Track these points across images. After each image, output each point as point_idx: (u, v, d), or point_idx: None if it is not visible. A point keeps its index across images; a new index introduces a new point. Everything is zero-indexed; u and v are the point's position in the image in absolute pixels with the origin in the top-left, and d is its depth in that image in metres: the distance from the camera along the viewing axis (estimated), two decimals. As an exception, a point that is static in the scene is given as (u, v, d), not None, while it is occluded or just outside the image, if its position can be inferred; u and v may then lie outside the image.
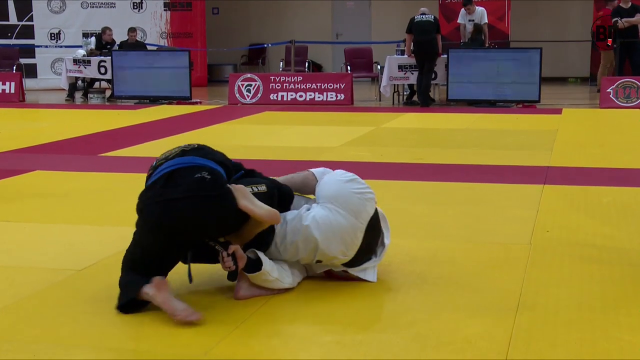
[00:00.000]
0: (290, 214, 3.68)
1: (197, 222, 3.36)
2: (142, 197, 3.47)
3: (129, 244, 3.58)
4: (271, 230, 3.62)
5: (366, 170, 6.95)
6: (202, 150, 3.57)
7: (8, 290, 3.77)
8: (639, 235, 4.68)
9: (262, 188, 3.58)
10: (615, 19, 14.10)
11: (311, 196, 3.86)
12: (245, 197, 3.40)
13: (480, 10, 13.93)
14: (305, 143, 8.70)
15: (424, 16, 12.89)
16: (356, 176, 3.81)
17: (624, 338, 3.11)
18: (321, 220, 3.60)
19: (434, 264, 4.13)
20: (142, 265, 3.46)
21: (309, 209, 3.68)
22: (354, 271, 3.76)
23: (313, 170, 3.98)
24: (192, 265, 3.51)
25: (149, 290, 3.37)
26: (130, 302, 3.41)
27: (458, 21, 14.32)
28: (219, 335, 3.17)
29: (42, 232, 4.91)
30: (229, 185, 3.44)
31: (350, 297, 3.62)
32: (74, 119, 11.73)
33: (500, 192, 5.98)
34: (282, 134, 9.64)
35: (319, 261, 3.69)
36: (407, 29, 13.06)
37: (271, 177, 3.79)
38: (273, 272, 3.58)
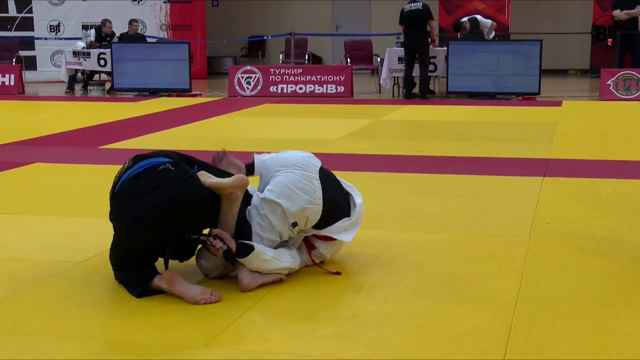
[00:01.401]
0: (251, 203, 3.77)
1: (174, 209, 3.42)
2: (113, 207, 3.54)
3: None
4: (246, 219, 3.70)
5: (366, 162, 6.96)
6: (153, 154, 3.61)
7: (8, 282, 3.77)
8: (638, 227, 4.68)
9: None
10: (616, 10, 14.09)
11: None
12: (209, 177, 3.51)
13: (485, 22, 13.82)
14: (305, 135, 8.69)
15: (412, 5, 12.80)
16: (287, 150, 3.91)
17: (623, 330, 3.12)
18: (272, 185, 3.68)
19: (434, 256, 4.14)
20: (135, 263, 3.53)
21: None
22: (328, 232, 3.76)
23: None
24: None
25: (161, 284, 3.46)
26: (145, 289, 3.49)
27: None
28: (219, 327, 3.18)
29: (41, 225, 4.91)
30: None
31: (349, 291, 3.63)
32: (73, 112, 11.72)
33: (500, 184, 5.97)
34: (282, 126, 9.63)
35: (294, 224, 3.69)
36: (399, 20, 13.03)
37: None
38: (267, 250, 3.62)
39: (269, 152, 4.00)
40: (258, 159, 3.94)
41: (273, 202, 3.64)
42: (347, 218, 3.81)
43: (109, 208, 3.59)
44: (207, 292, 3.43)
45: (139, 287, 3.50)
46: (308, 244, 3.84)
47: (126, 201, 3.46)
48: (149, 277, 3.49)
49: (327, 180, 3.78)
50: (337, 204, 3.77)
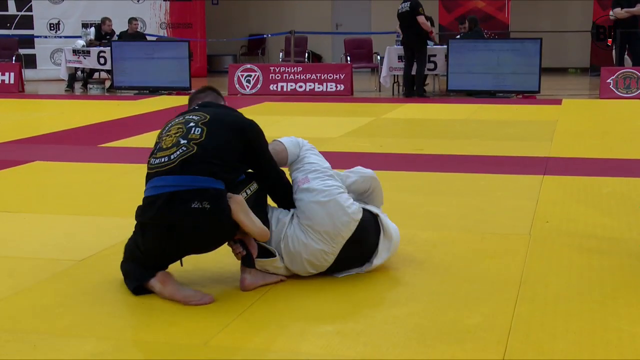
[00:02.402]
0: (274, 217, 3.69)
1: (196, 244, 3.46)
2: (145, 211, 3.44)
3: (131, 234, 3.62)
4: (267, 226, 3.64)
5: (366, 160, 6.95)
6: (203, 162, 3.42)
7: (8, 280, 3.77)
8: (638, 225, 4.68)
9: (253, 187, 3.60)
10: (616, 9, 14.08)
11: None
12: (242, 210, 3.40)
13: None
14: (305, 134, 8.65)
15: (403, 6, 12.78)
16: (341, 189, 3.70)
17: (623, 328, 3.12)
18: (291, 239, 3.61)
19: (434, 254, 4.14)
20: (143, 260, 3.53)
21: (289, 216, 3.68)
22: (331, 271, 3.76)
23: (284, 141, 4.01)
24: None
25: (155, 285, 3.46)
26: (140, 287, 3.50)
27: None
28: (219, 325, 3.18)
29: (41, 223, 4.91)
30: (227, 196, 3.41)
31: (350, 288, 3.62)
32: (73, 110, 11.71)
33: (500, 182, 5.97)
34: (282, 124, 9.63)
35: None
36: (397, 16, 13.06)
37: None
38: (280, 260, 3.65)
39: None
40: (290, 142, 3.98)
41: (282, 251, 3.64)
42: (358, 269, 3.76)
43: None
44: (199, 294, 3.44)
45: (134, 283, 3.51)
46: None
47: (155, 220, 3.40)
48: (144, 278, 3.49)
49: (352, 245, 3.64)
50: (348, 265, 3.73)
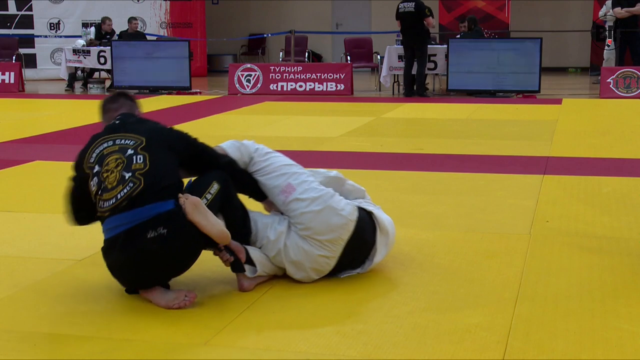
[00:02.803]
0: (271, 226, 3.64)
1: (173, 266, 3.41)
2: (108, 255, 3.39)
3: None
4: (245, 222, 3.64)
5: (366, 160, 6.96)
6: (149, 190, 3.32)
7: (8, 280, 3.77)
8: (638, 225, 4.68)
9: (214, 189, 3.49)
10: (616, 8, 14.08)
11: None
12: (197, 211, 3.32)
13: None
14: (305, 133, 8.69)
15: (406, 5, 12.78)
16: (332, 193, 3.64)
17: (623, 327, 3.12)
18: (292, 249, 3.59)
19: (434, 253, 4.14)
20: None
21: (285, 225, 3.63)
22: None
23: (224, 146, 3.85)
24: None
25: (140, 291, 3.45)
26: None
27: None
28: (219, 325, 3.18)
29: (42, 222, 4.91)
30: (183, 199, 3.34)
31: (349, 288, 3.62)
32: (73, 109, 11.71)
33: (500, 182, 5.97)
34: (282, 124, 9.63)
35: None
36: (395, 16, 13.05)
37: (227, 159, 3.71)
38: (266, 269, 3.62)
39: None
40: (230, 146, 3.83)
41: (282, 261, 3.62)
42: (359, 269, 3.76)
43: None
44: (181, 295, 3.36)
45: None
46: None
47: (114, 265, 3.40)
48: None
49: (351, 246, 3.63)
50: (349, 266, 3.72)
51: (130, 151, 3.40)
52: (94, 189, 3.39)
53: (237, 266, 3.54)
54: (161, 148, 3.48)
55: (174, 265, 3.40)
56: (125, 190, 3.31)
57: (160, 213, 3.28)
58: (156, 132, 3.56)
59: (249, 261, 3.57)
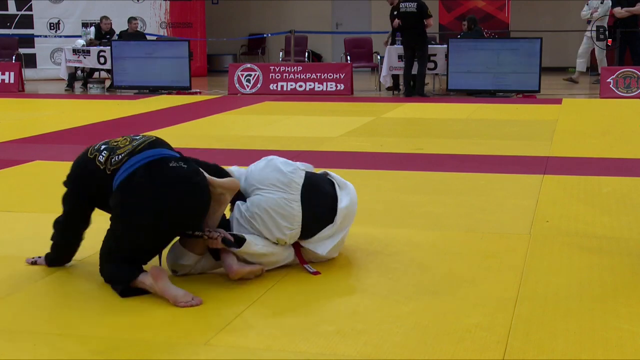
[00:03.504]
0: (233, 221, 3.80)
1: (186, 210, 3.46)
2: (122, 193, 3.48)
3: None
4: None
5: (366, 160, 6.96)
6: (164, 145, 3.65)
7: (8, 280, 3.77)
8: (638, 225, 4.68)
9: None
10: (616, 8, 14.09)
11: None
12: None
13: None
14: (305, 133, 8.69)
15: (407, 5, 12.76)
16: (274, 157, 3.90)
17: (623, 327, 3.12)
18: (253, 206, 3.70)
19: (434, 253, 4.14)
20: (127, 255, 3.52)
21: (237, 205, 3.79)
22: (308, 245, 3.80)
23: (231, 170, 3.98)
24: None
25: (146, 280, 3.44)
26: (129, 288, 3.48)
27: None
28: (219, 324, 3.18)
29: (42, 223, 4.90)
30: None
31: (349, 288, 3.63)
32: (73, 109, 11.71)
33: (500, 182, 5.97)
34: (282, 124, 9.63)
35: (275, 242, 3.76)
36: (390, 15, 13.02)
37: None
38: (257, 240, 3.67)
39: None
40: (237, 171, 3.95)
41: (252, 223, 3.72)
42: (330, 225, 3.82)
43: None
44: (189, 296, 3.40)
45: (122, 284, 3.49)
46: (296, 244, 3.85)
47: (138, 193, 3.44)
48: (133, 274, 3.47)
49: (310, 193, 3.75)
50: (319, 218, 3.79)
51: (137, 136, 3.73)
52: (102, 159, 3.58)
53: (228, 241, 3.60)
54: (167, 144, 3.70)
55: (189, 200, 3.44)
56: (140, 141, 3.61)
57: (180, 155, 3.58)
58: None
59: (237, 240, 3.63)
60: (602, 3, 14.18)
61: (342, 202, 3.87)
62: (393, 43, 13.41)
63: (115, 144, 3.65)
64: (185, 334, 3.11)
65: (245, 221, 3.73)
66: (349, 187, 3.98)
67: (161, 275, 3.43)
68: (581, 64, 14.57)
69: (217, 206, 3.62)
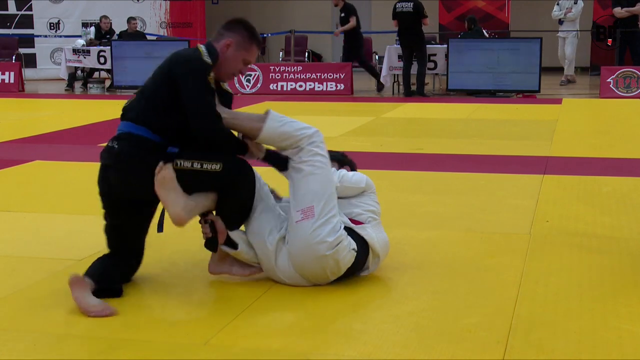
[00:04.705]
0: (256, 234, 3.57)
1: (118, 186, 3.47)
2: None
3: None
4: (244, 208, 3.53)
5: (366, 160, 6.95)
6: (129, 111, 3.51)
7: (8, 279, 3.77)
8: (638, 224, 4.68)
9: (215, 167, 3.39)
10: (616, 8, 14.09)
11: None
12: (163, 187, 3.34)
13: None
14: (305, 133, 8.68)
15: (404, 5, 12.77)
16: (334, 242, 3.47)
17: (623, 327, 3.12)
18: (279, 269, 3.56)
19: (434, 253, 4.14)
20: (109, 243, 3.61)
21: (281, 238, 3.56)
22: None
23: (266, 127, 3.55)
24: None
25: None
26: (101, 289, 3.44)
27: None
28: (219, 325, 3.18)
29: (42, 222, 4.91)
30: (159, 167, 3.36)
31: (349, 288, 3.62)
32: (73, 109, 11.72)
33: (500, 182, 5.97)
34: (282, 124, 9.61)
35: None
36: (392, 15, 13.04)
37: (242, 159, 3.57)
38: (249, 252, 3.61)
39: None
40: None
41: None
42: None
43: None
44: (101, 306, 3.28)
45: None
46: None
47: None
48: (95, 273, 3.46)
49: (346, 275, 3.62)
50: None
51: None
52: None
53: (211, 244, 3.57)
54: (159, 69, 3.53)
55: (119, 183, 3.45)
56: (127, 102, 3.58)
57: (124, 132, 3.48)
58: (173, 53, 3.60)
59: (229, 242, 3.55)
60: (575, 3, 14.16)
61: (366, 271, 3.69)
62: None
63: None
64: (185, 334, 3.10)
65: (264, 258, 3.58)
66: (381, 256, 3.70)
67: (75, 284, 3.33)
68: (568, 66, 14.55)
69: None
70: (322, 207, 3.47)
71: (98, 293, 3.37)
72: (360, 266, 3.65)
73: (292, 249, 3.50)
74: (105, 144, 3.60)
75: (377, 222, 3.75)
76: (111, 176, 3.46)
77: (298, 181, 3.53)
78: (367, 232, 3.64)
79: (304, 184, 3.51)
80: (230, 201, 3.49)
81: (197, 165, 3.37)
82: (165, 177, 3.34)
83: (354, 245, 3.54)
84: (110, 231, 3.59)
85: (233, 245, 3.57)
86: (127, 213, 3.54)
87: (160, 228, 3.60)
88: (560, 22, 14.36)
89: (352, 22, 13.37)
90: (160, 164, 3.35)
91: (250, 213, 3.56)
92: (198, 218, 3.56)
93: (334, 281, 3.63)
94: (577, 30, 14.38)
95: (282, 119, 3.58)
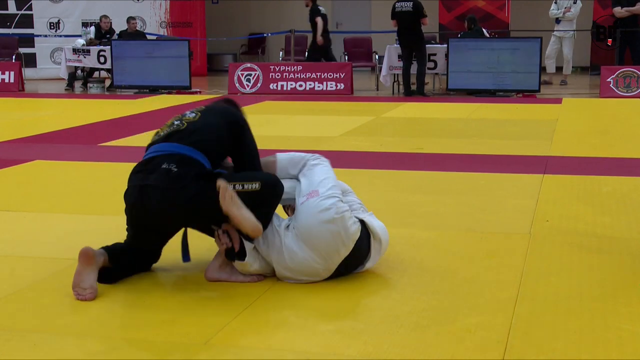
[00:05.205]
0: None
1: (160, 212, 3.48)
2: (130, 179, 3.62)
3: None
4: (267, 218, 3.62)
5: (366, 159, 6.96)
6: (188, 136, 3.58)
7: (8, 279, 3.77)
8: (638, 224, 4.68)
9: (255, 186, 3.54)
10: (616, 7, 14.09)
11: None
12: (234, 204, 3.40)
13: None
14: (305, 133, 8.69)
15: (403, 5, 12.78)
16: (340, 208, 3.58)
17: (623, 327, 3.12)
18: (288, 253, 3.57)
19: (434, 253, 4.14)
20: (129, 242, 3.68)
21: (283, 225, 3.64)
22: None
23: (279, 155, 3.97)
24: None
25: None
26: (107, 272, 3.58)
27: None
28: (219, 324, 3.18)
29: (42, 222, 4.91)
30: (217, 177, 3.47)
31: (349, 287, 3.62)
32: (73, 109, 11.71)
33: (500, 181, 5.97)
34: (282, 123, 9.63)
35: None
36: (391, 15, 13.04)
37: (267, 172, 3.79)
38: (254, 264, 3.62)
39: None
40: (283, 169, 3.89)
41: (277, 265, 3.64)
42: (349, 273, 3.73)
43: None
44: (88, 291, 3.44)
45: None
46: None
47: (133, 182, 3.56)
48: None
49: (347, 263, 3.63)
50: (346, 267, 3.68)
51: (187, 111, 3.80)
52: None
53: (230, 254, 3.59)
54: (215, 114, 3.74)
55: (165, 209, 3.45)
56: (170, 129, 3.64)
57: (184, 154, 3.48)
58: (218, 105, 3.88)
59: (241, 253, 3.58)
60: (575, 3, 14.14)
61: (371, 261, 3.73)
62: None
63: (161, 127, 3.75)
64: (185, 333, 3.10)
65: (277, 257, 3.61)
66: (382, 242, 3.75)
67: (83, 257, 3.51)
68: (550, 65, 14.52)
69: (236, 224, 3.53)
70: (326, 189, 3.63)
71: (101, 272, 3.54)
72: (365, 249, 3.68)
73: (299, 224, 3.57)
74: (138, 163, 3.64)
75: (370, 213, 3.87)
76: (154, 197, 3.45)
77: (303, 180, 3.75)
78: (363, 215, 3.76)
79: (306, 178, 3.74)
80: (257, 213, 3.52)
81: (239, 187, 3.49)
82: (232, 195, 3.41)
83: (356, 220, 3.65)
84: (133, 242, 3.69)
85: (241, 256, 3.59)
86: (159, 235, 3.70)
87: (186, 257, 3.70)
88: (558, 21, 14.33)
89: (319, 22, 13.77)
90: (220, 183, 3.41)
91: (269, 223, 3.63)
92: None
93: (335, 280, 3.64)
94: (574, 30, 14.37)
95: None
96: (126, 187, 3.60)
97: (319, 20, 13.81)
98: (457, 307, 3.35)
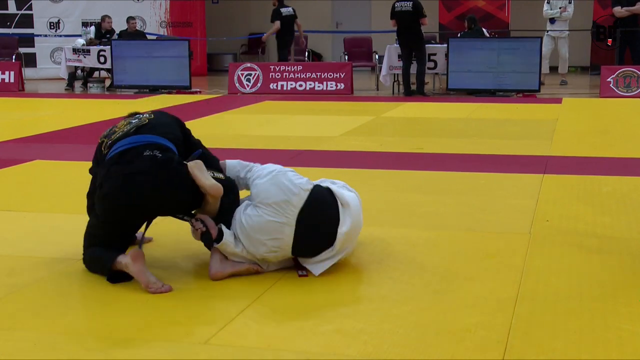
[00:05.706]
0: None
1: (152, 197, 3.57)
2: (100, 173, 3.68)
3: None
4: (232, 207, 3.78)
5: (366, 159, 6.96)
6: (155, 129, 3.76)
7: (8, 279, 3.77)
8: (638, 224, 4.68)
9: (220, 175, 3.78)
10: (616, 7, 14.09)
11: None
12: (198, 169, 3.61)
13: None
14: (305, 132, 8.69)
15: (403, 4, 12.77)
16: (283, 169, 3.79)
17: (623, 327, 3.12)
18: (246, 219, 3.67)
19: (434, 253, 4.14)
20: (105, 239, 3.67)
21: (242, 206, 3.79)
22: (305, 263, 3.76)
23: (228, 161, 4.11)
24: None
25: (123, 260, 3.55)
26: (115, 273, 3.60)
27: None
28: (219, 324, 3.18)
29: (42, 222, 4.91)
30: (184, 162, 3.66)
31: (350, 287, 3.63)
32: (73, 109, 11.71)
33: (500, 181, 5.97)
34: (282, 123, 9.63)
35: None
36: (390, 15, 13.03)
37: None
38: (237, 246, 3.67)
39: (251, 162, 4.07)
40: (239, 165, 4.02)
41: (240, 237, 3.70)
42: (330, 249, 3.73)
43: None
44: (160, 283, 3.52)
45: (103, 269, 3.64)
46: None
47: (113, 174, 3.59)
48: (112, 257, 3.59)
49: (309, 216, 3.65)
50: (316, 244, 3.70)
51: (137, 114, 3.95)
52: (104, 143, 3.78)
53: (206, 237, 3.66)
54: (166, 116, 3.96)
55: (155, 191, 3.54)
56: (133, 123, 3.79)
57: (162, 143, 3.66)
58: (163, 113, 4.02)
59: (220, 239, 3.65)
60: (570, 2, 14.11)
61: (344, 225, 3.73)
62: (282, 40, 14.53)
63: (114, 129, 3.83)
64: (185, 333, 3.11)
65: (240, 230, 3.70)
66: (351, 205, 3.80)
67: (139, 258, 3.54)
68: (545, 65, 14.48)
69: (204, 202, 3.69)
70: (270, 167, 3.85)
71: (115, 278, 3.60)
72: (334, 214, 3.72)
73: (251, 195, 3.77)
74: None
75: (343, 184, 4.03)
76: (146, 183, 3.54)
77: (249, 175, 3.94)
78: (326, 184, 3.91)
79: (252, 172, 3.92)
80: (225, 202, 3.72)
81: (210, 174, 3.70)
82: (197, 163, 3.63)
83: (309, 180, 3.81)
84: (110, 232, 3.69)
85: (219, 239, 3.66)
86: (137, 221, 3.74)
87: (140, 246, 3.77)
88: (552, 21, 14.29)
89: (276, 24, 14.45)
90: (190, 163, 3.64)
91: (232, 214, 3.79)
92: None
93: (335, 280, 3.64)
94: (569, 30, 14.36)
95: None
96: (89, 185, 3.74)
97: (276, 23, 14.44)
98: (457, 307, 3.35)
